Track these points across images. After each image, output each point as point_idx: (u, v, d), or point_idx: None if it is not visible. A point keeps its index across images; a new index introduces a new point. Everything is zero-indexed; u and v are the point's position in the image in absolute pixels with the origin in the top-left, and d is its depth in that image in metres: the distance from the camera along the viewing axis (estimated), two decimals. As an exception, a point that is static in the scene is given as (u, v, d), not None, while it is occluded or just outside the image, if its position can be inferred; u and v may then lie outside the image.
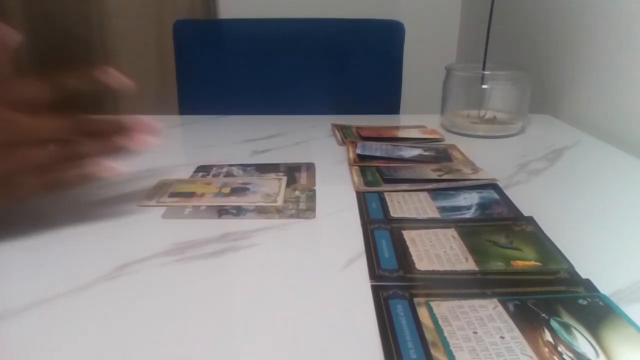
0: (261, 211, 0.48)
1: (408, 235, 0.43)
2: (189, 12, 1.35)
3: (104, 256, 0.40)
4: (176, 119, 0.89)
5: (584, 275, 0.37)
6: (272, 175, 0.58)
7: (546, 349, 0.29)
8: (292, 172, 0.60)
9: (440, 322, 0.31)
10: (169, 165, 0.63)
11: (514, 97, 0.77)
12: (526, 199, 0.51)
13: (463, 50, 1.49)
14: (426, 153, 0.66)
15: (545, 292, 0.34)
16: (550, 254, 0.40)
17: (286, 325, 0.32)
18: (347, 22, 1.10)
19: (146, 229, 0.45)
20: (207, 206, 0.50)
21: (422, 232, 0.44)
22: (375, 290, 0.35)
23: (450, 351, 0.28)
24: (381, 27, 1.09)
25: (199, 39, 1.10)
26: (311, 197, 0.52)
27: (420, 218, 0.47)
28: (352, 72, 1.10)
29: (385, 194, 0.52)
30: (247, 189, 0.54)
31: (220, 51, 1.09)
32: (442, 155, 0.65)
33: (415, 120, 0.85)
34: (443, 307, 0.33)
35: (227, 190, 0.54)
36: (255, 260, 0.40)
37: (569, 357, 0.28)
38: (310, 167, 0.61)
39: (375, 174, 0.58)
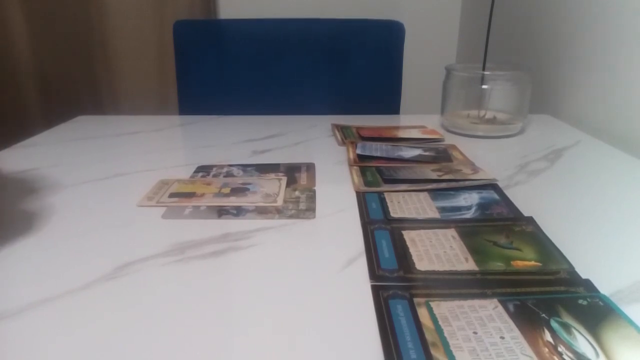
0: (261, 211, 0.48)
1: (408, 235, 0.43)
2: (188, 13, 1.35)
3: (103, 256, 0.40)
4: (176, 119, 0.89)
5: (584, 276, 0.37)
6: (272, 175, 0.58)
7: (546, 349, 0.29)
8: (292, 172, 0.60)
9: (440, 322, 0.31)
10: (169, 165, 0.63)
11: (514, 97, 0.77)
12: (526, 199, 0.51)
13: (463, 50, 1.49)
14: (426, 153, 0.66)
15: (545, 292, 0.34)
16: (550, 254, 0.40)
17: (286, 325, 0.32)
18: (347, 22, 1.10)
19: (146, 229, 0.45)
20: (207, 206, 0.50)
21: (422, 232, 0.44)
22: (375, 290, 0.35)
23: (450, 351, 0.28)
24: (381, 27, 1.09)
25: (198, 39, 1.10)
26: (311, 197, 0.52)
27: (420, 218, 0.47)
28: (352, 72, 1.10)
29: (385, 194, 0.52)
30: (247, 189, 0.54)
31: (220, 51, 1.09)
32: (442, 156, 0.65)
33: (415, 120, 0.85)
34: (443, 307, 0.33)
35: (227, 190, 0.54)
36: (255, 261, 0.40)
37: (569, 357, 0.28)
38: (310, 167, 0.61)
39: (375, 174, 0.58)
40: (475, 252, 0.40)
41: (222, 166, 0.62)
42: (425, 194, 0.52)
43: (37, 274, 0.38)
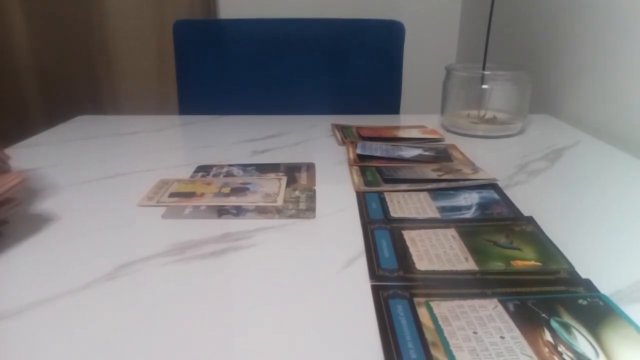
0: (261, 211, 0.48)
1: (408, 235, 0.43)
2: (188, 13, 1.35)
3: (104, 256, 0.40)
4: (176, 119, 0.89)
5: (584, 275, 0.37)
6: (272, 175, 0.58)
7: (546, 349, 0.29)
8: (292, 172, 0.60)
9: (440, 322, 0.31)
10: (169, 165, 0.63)
11: (514, 97, 0.77)
12: (526, 199, 0.51)
13: (463, 50, 1.49)
14: (426, 153, 0.66)
15: (545, 292, 0.34)
16: (550, 254, 0.40)
17: (286, 325, 0.32)
18: (347, 22, 1.09)
19: (146, 229, 0.45)
20: (207, 206, 0.50)
21: (422, 232, 0.44)
22: (375, 290, 0.35)
23: (450, 351, 0.28)
24: (381, 27, 1.09)
25: (198, 39, 1.10)
26: (311, 197, 0.52)
27: (420, 218, 0.47)
28: (352, 72, 1.10)
29: (385, 194, 0.52)
30: (247, 189, 0.54)
31: (220, 51, 1.09)
32: (442, 155, 0.65)
33: (415, 120, 0.85)
34: (443, 307, 0.33)
35: (227, 190, 0.54)
36: (255, 260, 0.39)
37: (569, 357, 0.28)
38: (310, 167, 0.61)
39: (375, 174, 0.58)
40: (475, 251, 0.40)
41: (222, 166, 0.62)
42: (425, 193, 0.52)
43: (37, 274, 0.38)
